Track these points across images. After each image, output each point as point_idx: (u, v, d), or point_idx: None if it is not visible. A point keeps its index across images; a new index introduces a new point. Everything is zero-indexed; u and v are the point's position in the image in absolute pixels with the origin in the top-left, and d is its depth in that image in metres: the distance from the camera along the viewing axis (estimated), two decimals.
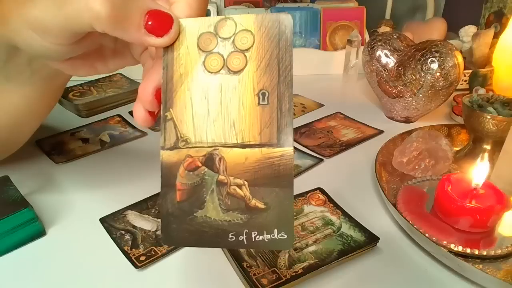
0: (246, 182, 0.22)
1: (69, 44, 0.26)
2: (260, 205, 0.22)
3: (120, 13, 0.22)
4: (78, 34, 0.25)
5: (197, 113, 0.23)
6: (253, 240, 0.22)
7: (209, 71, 0.23)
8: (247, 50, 0.23)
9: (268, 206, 0.22)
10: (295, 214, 0.39)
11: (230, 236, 0.22)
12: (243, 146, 0.23)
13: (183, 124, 0.23)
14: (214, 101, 0.23)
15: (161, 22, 0.22)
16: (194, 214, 0.23)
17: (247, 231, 0.22)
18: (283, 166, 0.22)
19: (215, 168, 0.23)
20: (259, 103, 0.23)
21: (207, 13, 0.77)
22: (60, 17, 0.23)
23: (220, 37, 0.23)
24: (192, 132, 0.23)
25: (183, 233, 0.23)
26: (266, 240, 0.22)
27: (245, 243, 0.22)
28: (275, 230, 0.22)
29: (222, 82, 0.23)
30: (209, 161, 0.23)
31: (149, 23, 0.22)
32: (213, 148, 0.23)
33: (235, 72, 0.23)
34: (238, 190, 0.23)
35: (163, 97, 0.23)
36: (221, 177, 0.23)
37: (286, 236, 0.22)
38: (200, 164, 0.23)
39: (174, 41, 0.23)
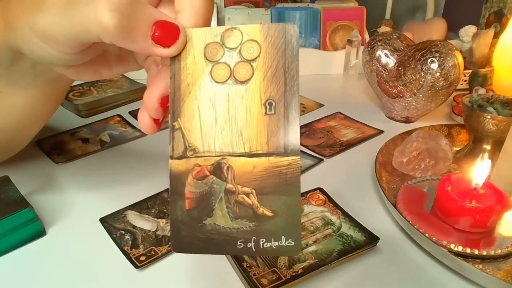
0: (254, 191, 0.23)
1: (76, 53, 0.26)
2: (268, 213, 0.23)
3: (128, 24, 0.22)
4: (85, 44, 0.25)
5: (204, 122, 0.23)
6: (261, 247, 0.23)
7: (216, 81, 0.23)
8: (253, 60, 0.23)
9: (276, 214, 0.22)
10: None
11: (238, 243, 0.23)
12: (251, 155, 0.23)
13: (191, 133, 0.23)
14: (221, 110, 0.23)
15: (168, 32, 0.22)
16: (203, 221, 0.23)
17: (255, 238, 0.23)
18: (291, 175, 0.22)
19: (223, 177, 0.23)
20: (266, 113, 0.23)
21: None
22: (68, 28, 0.23)
23: (226, 47, 0.23)
24: (200, 141, 0.23)
25: (192, 240, 0.23)
26: (274, 247, 0.23)
27: (253, 249, 0.23)
28: (283, 237, 0.22)
29: (229, 91, 0.23)
30: (217, 170, 0.23)
31: (156, 34, 0.22)
32: (221, 157, 0.23)
33: (242, 82, 0.23)
34: (246, 198, 0.23)
35: (170, 106, 0.23)
36: (229, 185, 0.23)
37: (293, 243, 0.22)
38: (208, 173, 0.23)
39: (181, 51, 0.23)
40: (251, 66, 0.23)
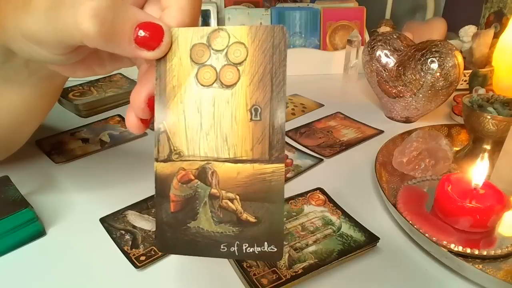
0: (238, 196, 0.23)
1: (65, 53, 0.26)
2: (251, 219, 0.23)
3: (110, 29, 0.21)
4: (72, 47, 0.25)
5: (190, 126, 0.23)
6: (244, 251, 0.23)
7: (201, 84, 0.23)
8: (240, 63, 0.22)
9: (259, 220, 0.23)
10: (294, 214, 0.39)
11: (222, 247, 0.23)
12: (235, 161, 0.23)
13: (176, 137, 0.23)
14: (207, 114, 0.23)
15: (152, 34, 0.22)
16: (188, 224, 0.23)
17: (238, 243, 0.23)
18: (275, 182, 0.22)
19: (208, 182, 0.23)
20: (251, 119, 0.22)
21: (207, 13, 0.77)
22: (53, 31, 0.23)
23: (213, 49, 0.22)
24: (185, 145, 0.23)
25: (177, 241, 0.23)
26: (257, 252, 0.23)
27: (236, 254, 0.23)
28: (266, 243, 0.23)
29: (215, 95, 0.23)
30: (202, 174, 0.23)
31: (140, 36, 0.22)
32: (206, 161, 0.23)
33: (228, 86, 0.22)
34: (230, 203, 0.23)
35: (156, 109, 0.23)
36: (214, 190, 0.23)
37: (276, 249, 0.23)
38: (193, 177, 0.23)
39: (167, 52, 0.23)
40: (238, 70, 0.22)
